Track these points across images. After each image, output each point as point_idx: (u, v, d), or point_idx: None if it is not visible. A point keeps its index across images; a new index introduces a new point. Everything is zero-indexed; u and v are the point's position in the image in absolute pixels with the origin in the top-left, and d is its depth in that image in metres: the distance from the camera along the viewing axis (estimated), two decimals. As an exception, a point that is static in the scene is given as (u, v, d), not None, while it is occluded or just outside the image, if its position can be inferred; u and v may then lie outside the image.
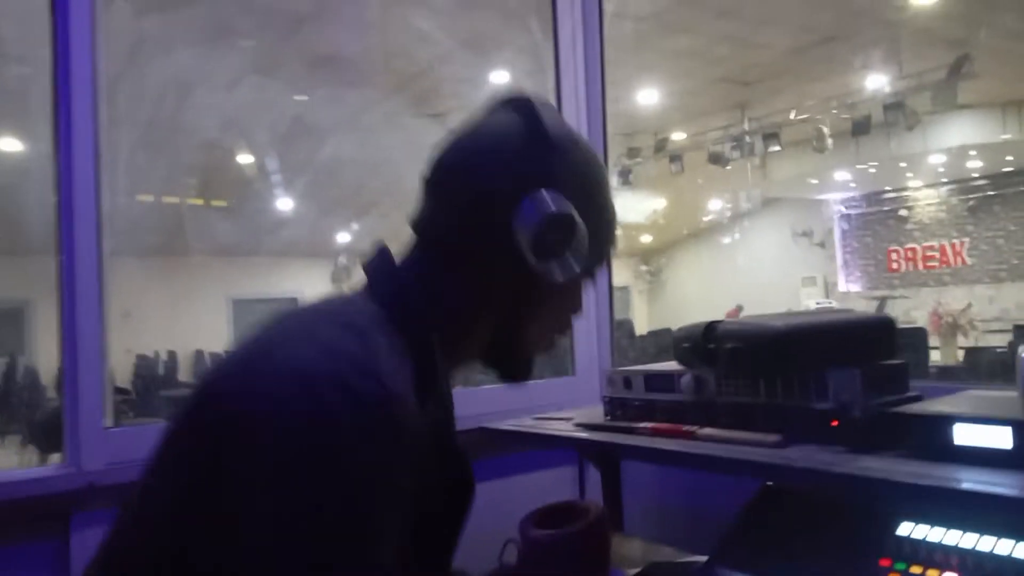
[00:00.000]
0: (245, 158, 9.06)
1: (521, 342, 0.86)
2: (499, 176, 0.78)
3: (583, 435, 1.29)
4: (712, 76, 9.02)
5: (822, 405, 1.06)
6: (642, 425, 1.24)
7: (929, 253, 14.26)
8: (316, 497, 0.60)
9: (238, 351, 0.71)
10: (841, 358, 1.08)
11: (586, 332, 1.88)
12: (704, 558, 1.24)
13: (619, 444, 1.25)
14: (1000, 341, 9.28)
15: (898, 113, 9.09)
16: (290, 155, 8.62)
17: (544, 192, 0.76)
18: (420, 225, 0.83)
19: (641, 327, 13.34)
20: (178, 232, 9.88)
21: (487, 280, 0.81)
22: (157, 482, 0.69)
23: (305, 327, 0.71)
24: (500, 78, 6.44)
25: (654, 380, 1.30)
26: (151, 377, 9.60)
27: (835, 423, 1.04)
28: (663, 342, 9.09)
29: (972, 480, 0.86)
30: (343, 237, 12.46)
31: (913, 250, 14.47)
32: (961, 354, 9.08)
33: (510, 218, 0.76)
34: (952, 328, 9.87)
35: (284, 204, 10.26)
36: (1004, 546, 0.94)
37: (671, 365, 1.30)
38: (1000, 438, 0.89)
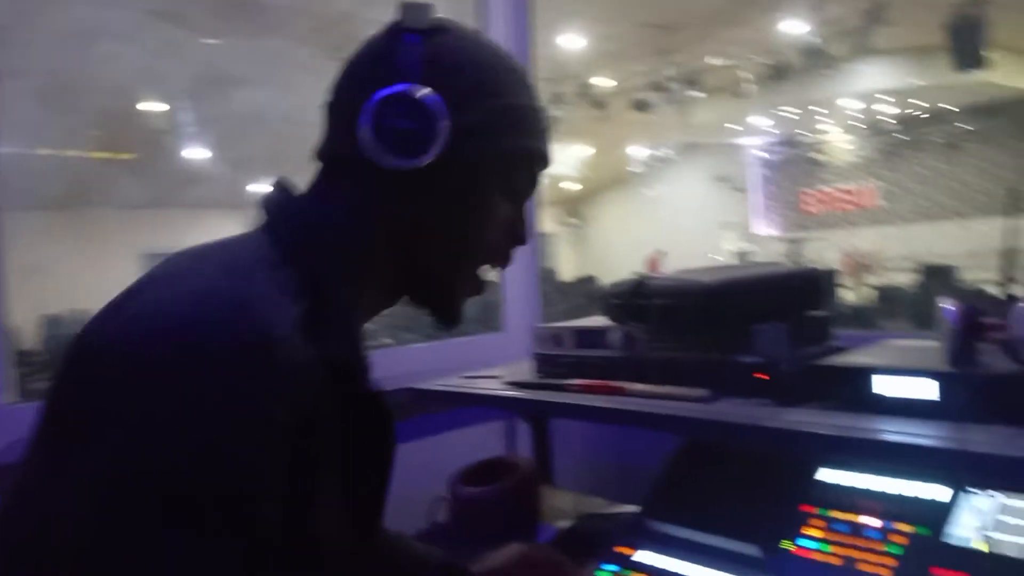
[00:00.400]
0: (154, 109, 8.63)
1: (434, 271, 0.80)
2: (356, 79, 0.76)
3: (512, 394, 1.28)
4: (635, 21, 8.98)
5: (749, 359, 1.07)
6: (572, 382, 1.23)
7: (842, 196, 14.76)
8: (176, 442, 0.55)
9: (113, 299, 0.67)
10: (768, 312, 1.09)
11: (515, 287, 1.86)
12: (633, 508, 1.26)
13: (548, 402, 1.24)
14: (907, 279, 9.70)
15: (815, 58, 9.27)
16: (203, 106, 8.24)
17: (395, 84, 0.72)
18: (316, 152, 0.80)
19: (567, 275, 13.44)
20: (86, 186, 9.42)
21: (370, 194, 0.76)
22: (36, 453, 0.63)
23: (181, 270, 0.67)
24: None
25: (584, 336, 1.29)
26: (63, 336, 9.23)
27: (762, 377, 1.05)
28: (588, 290, 9.20)
29: (892, 430, 0.88)
30: (261, 188, 12.09)
31: (827, 193, 14.95)
32: (868, 291, 9.48)
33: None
34: (862, 268, 10.27)
35: (197, 155, 9.86)
36: (919, 488, 0.98)
37: (601, 321, 1.29)
38: (919, 388, 0.92)
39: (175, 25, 6.54)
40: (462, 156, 0.74)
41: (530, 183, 0.84)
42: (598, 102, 10.72)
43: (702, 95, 10.28)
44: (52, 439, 0.61)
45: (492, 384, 1.37)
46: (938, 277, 8.69)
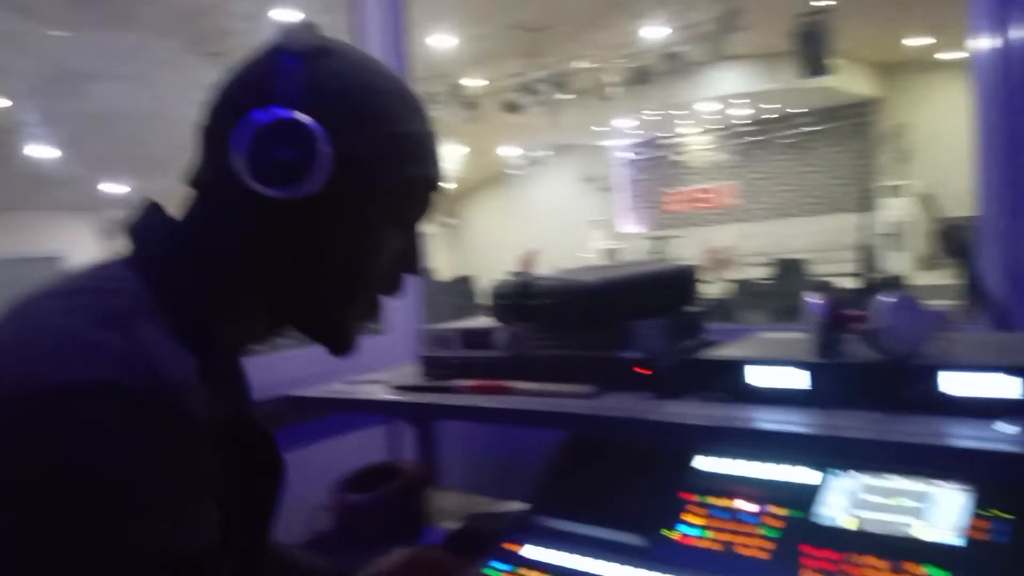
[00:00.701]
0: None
1: (322, 303, 0.76)
2: (231, 102, 0.70)
3: (399, 398, 1.27)
4: (503, 22, 9.07)
5: (631, 355, 1.10)
6: (459, 383, 1.23)
7: (701, 195, 15.48)
8: (87, 521, 0.52)
9: None
10: (647, 308, 1.13)
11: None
12: (520, 505, 1.27)
13: (436, 405, 1.24)
14: (762, 273, 10.28)
15: (674, 62, 9.67)
16: (52, 103, 7.66)
17: (265, 107, 0.67)
18: (189, 177, 0.74)
19: (444, 275, 13.44)
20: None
21: (250, 225, 0.70)
22: None
23: (50, 316, 0.61)
24: (291, 16, 6.07)
25: (470, 337, 1.30)
26: None
27: (643, 372, 1.09)
28: (466, 290, 9.22)
29: (766, 419, 0.94)
30: (117, 189, 11.44)
31: (687, 192, 15.64)
32: (727, 286, 10.00)
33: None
34: (721, 263, 10.80)
35: (44, 154, 9.18)
36: (790, 473, 1.04)
37: (486, 322, 1.30)
38: (789, 378, 0.97)
39: (18, 15, 6.04)
40: (346, 186, 0.70)
41: (420, 210, 0.80)
42: (469, 102, 10.77)
43: (570, 97, 10.51)
44: None
45: (377, 389, 1.35)
46: (790, 271, 9.28)
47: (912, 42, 9.76)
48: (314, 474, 1.37)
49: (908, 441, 0.82)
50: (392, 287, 0.81)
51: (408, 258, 0.80)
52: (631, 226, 16.22)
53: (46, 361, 0.56)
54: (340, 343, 0.79)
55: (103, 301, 0.62)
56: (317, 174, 0.67)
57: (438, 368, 1.33)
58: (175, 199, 0.75)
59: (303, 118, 0.67)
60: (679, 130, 15.10)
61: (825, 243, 13.75)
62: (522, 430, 1.47)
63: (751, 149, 14.69)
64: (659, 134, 15.34)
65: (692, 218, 15.53)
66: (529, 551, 1.13)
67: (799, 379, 0.96)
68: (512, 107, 10.62)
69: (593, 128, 14.00)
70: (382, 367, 1.53)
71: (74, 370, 0.55)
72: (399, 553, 1.09)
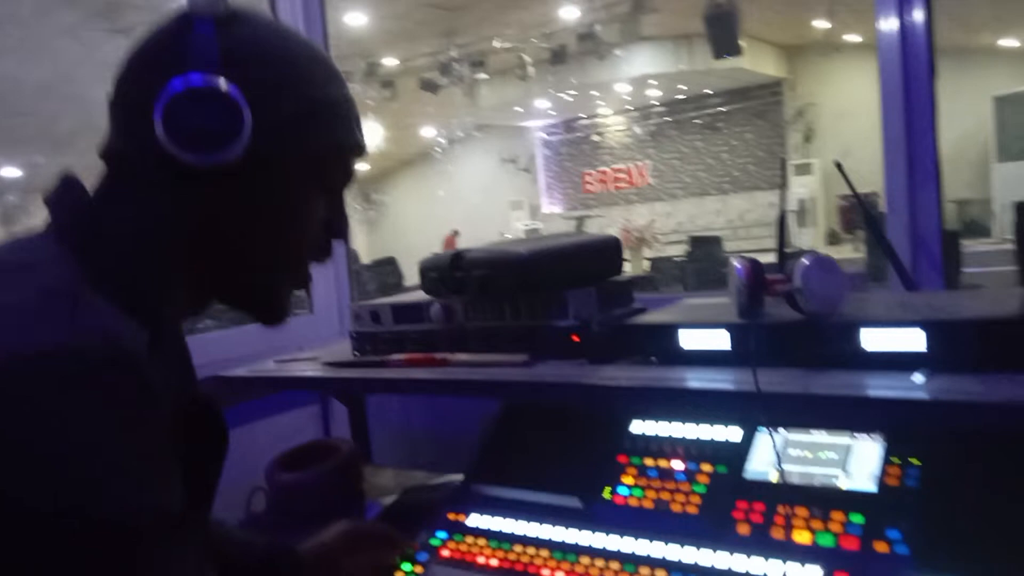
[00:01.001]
0: None
1: (251, 272, 0.76)
2: (144, 71, 0.69)
3: (333, 375, 1.26)
4: (418, 1, 8.98)
5: (564, 323, 1.13)
6: (394, 357, 1.23)
7: (618, 175, 15.73)
8: (53, 490, 0.52)
9: None
10: (577, 278, 1.15)
11: (323, 267, 1.82)
12: (456, 477, 1.28)
13: (372, 379, 1.24)
14: (678, 251, 10.55)
15: (590, 43, 9.77)
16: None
17: (183, 74, 0.66)
18: (103, 152, 0.72)
19: (365, 258, 13.29)
20: None
21: (171, 196, 0.69)
22: None
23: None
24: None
25: (402, 311, 1.30)
26: None
27: (576, 338, 1.11)
28: (389, 270, 9.14)
29: (694, 378, 0.98)
30: (11, 172, 10.87)
31: (605, 172, 15.86)
32: (647, 264, 10.23)
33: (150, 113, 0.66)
34: (639, 242, 11.01)
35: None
36: (718, 432, 1.08)
37: (419, 295, 1.30)
38: (714, 340, 1.02)
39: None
40: (268, 151, 0.69)
41: (344, 175, 0.80)
42: (386, 81, 10.64)
43: (487, 77, 10.50)
44: None
45: (308, 367, 1.34)
46: (706, 248, 9.54)
47: (821, 24, 10.11)
48: (247, 455, 1.35)
49: (826, 393, 0.87)
50: (321, 253, 0.81)
51: (335, 224, 0.80)
52: (551, 206, 16.36)
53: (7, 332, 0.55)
54: (271, 313, 0.79)
55: (43, 276, 0.61)
56: (239, 140, 0.67)
57: (370, 344, 1.33)
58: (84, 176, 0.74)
59: (221, 83, 0.66)
60: (597, 111, 15.29)
61: (738, 221, 14.19)
62: (455, 404, 1.48)
63: (665, 130, 14.99)
64: (576, 114, 15.49)
65: (611, 198, 15.77)
66: (474, 520, 1.15)
67: (724, 340, 1.00)
68: (430, 86, 10.55)
69: (514, 109, 14.02)
70: (309, 346, 1.52)
71: (31, 336, 0.54)
72: (337, 526, 1.09)
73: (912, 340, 0.89)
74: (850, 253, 9.37)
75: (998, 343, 0.85)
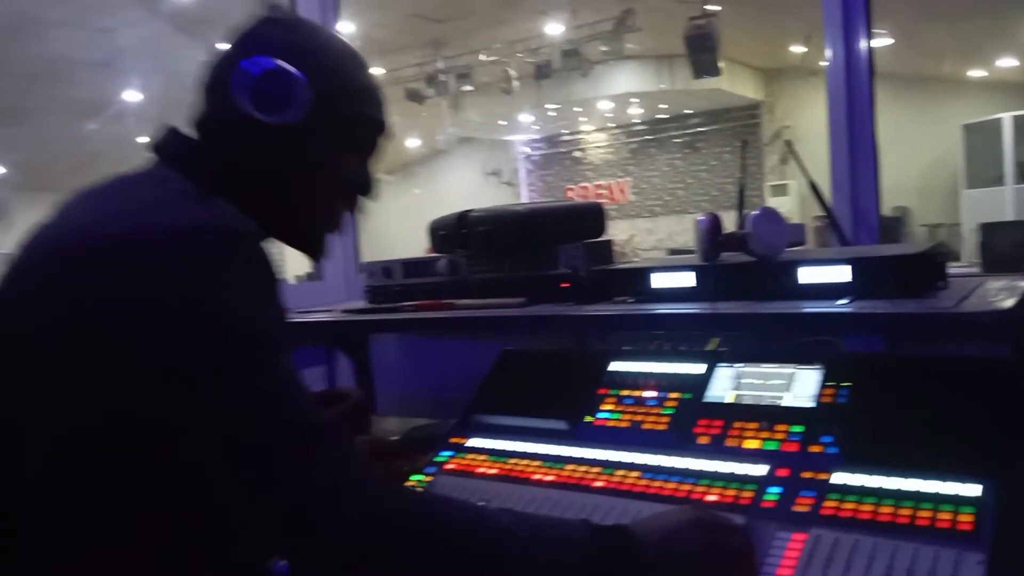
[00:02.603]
0: None
1: (297, 211, 0.99)
2: (230, 59, 0.92)
3: (351, 317, 1.44)
4: (404, 11, 9.14)
5: (555, 272, 1.31)
6: (405, 304, 1.41)
7: (599, 191, 15.93)
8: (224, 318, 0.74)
9: (68, 224, 0.82)
10: (567, 235, 1.34)
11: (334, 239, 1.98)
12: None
13: (387, 320, 1.42)
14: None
15: (574, 60, 9.99)
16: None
17: (254, 56, 0.90)
18: (196, 122, 0.96)
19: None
20: None
21: (246, 149, 0.93)
22: None
23: (143, 195, 0.83)
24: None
25: (412, 266, 1.48)
26: None
27: (566, 285, 1.30)
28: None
29: (664, 310, 1.16)
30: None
31: (586, 188, 16.08)
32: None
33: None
34: (620, 257, 11.21)
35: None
36: (685, 367, 1.27)
37: (425, 254, 1.48)
38: (681, 279, 1.21)
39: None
40: (319, 118, 0.92)
41: (373, 144, 1.03)
42: (373, 91, 10.73)
43: (472, 89, 10.66)
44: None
45: (323, 315, 1.51)
46: (683, 260, 9.71)
47: (798, 49, 10.42)
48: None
49: (768, 312, 1.07)
50: (351, 204, 1.05)
51: (363, 181, 1.04)
52: (532, 220, 16.46)
53: (152, 209, 0.80)
54: (314, 247, 1.04)
55: (171, 184, 0.85)
56: (299, 105, 0.90)
57: (383, 296, 1.51)
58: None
59: (288, 66, 0.90)
60: (579, 127, 15.51)
61: (715, 237, 14.36)
62: (456, 355, 1.65)
63: (646, 147, 15.24)
64: (559, 130, 15.71)
65: (591, 213, 15.91)
66: (474, 442, 1.32)
67: (688, 279, 1.20)
68: (416, 96, 10.69)
69: (498, 122, 14.20)
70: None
71: (180, 216, 0.79)
72: (679, 510, 0.94)
73: (840, 274, 1.09)
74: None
75: (906, 273, 1.05)
